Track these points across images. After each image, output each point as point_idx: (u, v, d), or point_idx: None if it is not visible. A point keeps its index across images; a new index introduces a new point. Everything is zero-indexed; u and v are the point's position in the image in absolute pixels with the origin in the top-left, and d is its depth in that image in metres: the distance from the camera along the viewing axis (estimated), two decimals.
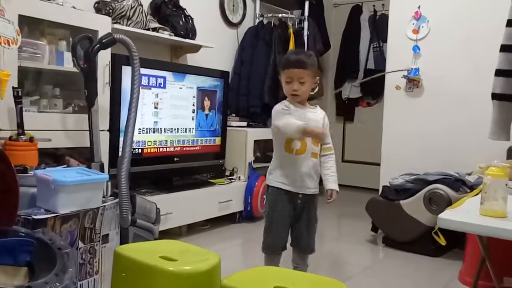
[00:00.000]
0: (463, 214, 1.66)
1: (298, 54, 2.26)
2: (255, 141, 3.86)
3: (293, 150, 2.15)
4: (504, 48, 1.73)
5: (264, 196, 2.38)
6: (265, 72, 4.23)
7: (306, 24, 4.54)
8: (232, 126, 3.90)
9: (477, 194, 1.86)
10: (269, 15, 4.54)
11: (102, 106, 2.59)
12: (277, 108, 2.19)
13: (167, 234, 2.98)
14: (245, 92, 4.25)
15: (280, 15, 4.55)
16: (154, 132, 3.18)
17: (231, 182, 3.72)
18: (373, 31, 5.31)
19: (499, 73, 1.74)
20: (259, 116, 4.24)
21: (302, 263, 2.25)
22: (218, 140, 3.70)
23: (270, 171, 2.25)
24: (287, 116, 2.13)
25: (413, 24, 3.68)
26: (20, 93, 2.23)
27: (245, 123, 4.04)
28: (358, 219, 3.79)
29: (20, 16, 2.27)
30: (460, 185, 3.02)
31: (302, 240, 2.22)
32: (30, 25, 2.46)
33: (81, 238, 1.80)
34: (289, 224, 2.21)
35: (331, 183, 2.19)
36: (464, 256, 2.56)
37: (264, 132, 3.94)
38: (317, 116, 2.21)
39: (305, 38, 4.51)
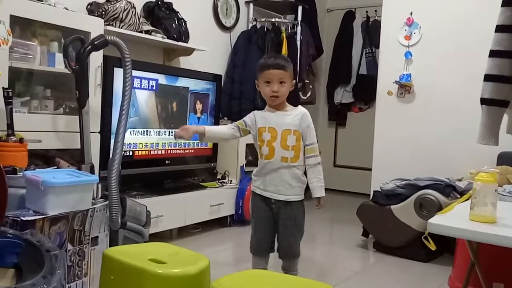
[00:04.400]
0: (453, 219, 1.67)
1: (277, 57, 2.30)
2: (247, 144, 3.86)
3: (263, 155, 2.19)
4: (493, 54, 1.74)
5: None
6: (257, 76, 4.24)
7: (299, 29, 4.56)
8: None
9: (467, 199, 1.87)
10: (262, 19, 4.55)
11: (94, 108, 2.58)
12: (250, 114, 2.28)
13: (157, 237, 2.97)
14: (238, 96, 4.25)
15: (273, 20, 4.56)
16: (145, 134, 3.17)
17: (223, 185, 3.71)
18: (366, 37, 5.34)
19: (488, 78, 1.76)
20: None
21: (290, 268, 2.24)
22: (210, 144, 3.69)
23: (252, 175, 2.30)
24: (229, 128, 2.29)
25: (405, 30, 3.71)
26: (10, 94, 2.21)
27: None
28: (349, 224, 3.79)
29: (11, 16, 2.26)
30: (451, 190, 3.04)
31: (281, 244, 2.23)
32: (21, 26, 2.44)
33: (70, 240, 1.78)
34: (270, 227, 2.23)
35: (317, 191, 2.19)
36: (454, 261, 2.57)
37: None
38: (289, 119, 2.19)
39: (298, 42, 4.53)
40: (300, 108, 2.26)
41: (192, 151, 3.54)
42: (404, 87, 3.71)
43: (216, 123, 3.74)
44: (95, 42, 2.27)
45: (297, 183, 2.19)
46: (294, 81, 2.24)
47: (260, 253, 2.26)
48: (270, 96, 2.18)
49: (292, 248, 2.23)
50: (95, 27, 2.67)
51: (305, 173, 2.23)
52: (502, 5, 1.72)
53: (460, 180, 3.20)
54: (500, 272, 2.24)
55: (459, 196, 2.95)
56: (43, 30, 2.56)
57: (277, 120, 2.19)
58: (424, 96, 3.67)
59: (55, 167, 2.35)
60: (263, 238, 2.24)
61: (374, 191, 3.42)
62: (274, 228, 2.24)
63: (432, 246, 1.69)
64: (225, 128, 2.31)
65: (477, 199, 1.62)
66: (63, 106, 2.67)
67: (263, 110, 2.27)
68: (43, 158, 2.51)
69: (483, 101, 1.77)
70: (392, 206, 3.13)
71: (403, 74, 3.69)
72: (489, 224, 1.59)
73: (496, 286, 2.23)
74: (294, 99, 3.69)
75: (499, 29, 1.73)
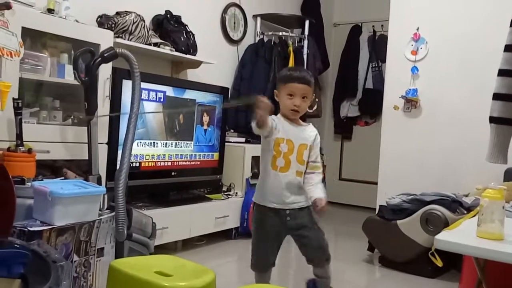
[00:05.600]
0: (460, 235, 1.66)
1: (301, 70, 2.23)
2: (252, 157, 3.86)
3: (277, 167, 2.12)
4: (502, 73, 1.75)
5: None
6: (264, 89, 4.25)
7: (306, 42, 4.59)
8: (230, 142, 3.91)
9: (474, 215, 1.86)
10: (270, 33, 4.58)
11: (102, 119, 2.60)
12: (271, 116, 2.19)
13: (162, 249, 2.96)
14: (244, 108, 4.27)
15: (280, 33, 4.60)
16: (152, 145, 3.18)
17: (228, 197, 3.71)
18: (372, 51, 5.36)
19: (496, 97, 1.76)
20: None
21: (324, 274, 2.19)
22: (216, 156, 3.70)
23: (256, 188, 2.22)
24: None
25: (412, 45, 3.72)
26: (20, 104, 2.23)
27: (243, 139, 4.05)
28: (354, 238, 3.77)
29: (23, 28, 2.29)
30: (457, 206, 3.02)
31: (313, 253, 2.16)
32: (32, 38, 2.48)
33: (76, 251, 1.79)
34: (276, 242, 2.17)
35: (316, 192, 2.10)
36: (461, 278, 2.55)
37: None
38: (305, 134, 2.17)
39: (305, 56, 4.55)
40: (312, 126, 2.24)
41: (198, 163, 3.54)
42: (411, 102, 3.71)
43: (223, 135, 3.76)
44: (105, 55, 2.29)
45: (304, 191, 2.16)
46: (313, 96, 2.21)
47: (261, 268, 2.20)
48: (290, 109, 2.12)
49: (325, 250, 2.17)
50: (104, 39, 2.70)
51: None
52: (511, 26, 1.73)
53: (466, 195, 3.19)
54: None
55: (465, 212, 2.93)
56: (53, 42, 2.60)
57: (295, 133, 2.14)
58: (430, 111, 3.67)
59: (63, 177, 2.36)
60: (269, 254, 2.17)
61: (380, 206, 3.41)
62: (280, 244, 2.18)
63: (439, 263, 1.68)
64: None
65: (484, 216, 1.61)
66: (72, 117, 2.70)
67: (278, 117, 2.17)
68: (51, 168, 2.53)
69: (492, 119, 1.77)
70: (398, 221, 3.11)
71: (410, 89, 3.70)
72: (497, 241, 1.58)
73: None
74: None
75: (508, 48, 1.74)
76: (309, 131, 2.19)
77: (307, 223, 2.15)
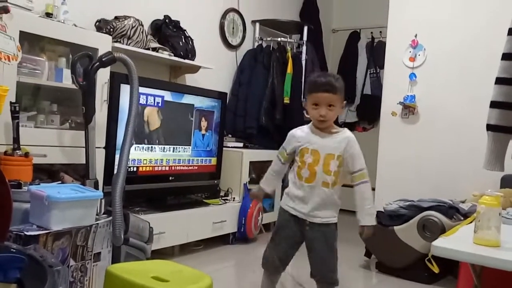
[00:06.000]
0: (457, 242, 1.66)
1: (326, 76, 2.13)
2: (250, 162, 3.87)
3: (302, 178, 2.10)
4: (500, 81, 1.75)
5: None
6: (262, 94, 4.27)
7: (304, 48, 4.60)
8: (228, 147, 3.91)
9: (470, 222, 1.86)
10: (268, 38, 4.60)
11: (99, 123, 2.60)
12: (292, 132, 2.20)
13: (159, 253, 2.95)
14: (242, 114, 4.27)
15: (279, 39, 4.61)
16: (150, 150, 3.18)
17: (226, 202, 3.70)
18: (370, 58, 5.38)
19: (494, 105, 1.77)
20: (256, 137, 4.26)
21: None
22: (214, 160, 3.70)
23: (284, 193, 2.21)
24: (274, 162, 2.23)
25: (410, 52, 3.74)
26: (17, 108, 2.23)
27: (241, 144, 4.05)
28: (351, 243, 3.76)
29: (21, 32, 2.29)
30: (454, 212, 3.02)
31: (316, 271, 2.15)
32: (30, 42, 2.48)
33: (72, 256, 1.78)
34: (293, 248, 2.16)
35: (367, 219, 2.08)
36: (457, 285, 2.55)
37: (260, 154, 3.94)
38: (334, 143, 2.10)
39: (303, 62, 4.57)
40: (347, 132, 2.15)
41: (196, 167, 3.54)
42: (408, 108, 3.72)
43: (221, 140, 3.76)
44: (103, 59, 2.29)
45: (333, 207, 2.12)
46: (344, 102, 2.14)
47: (274, 270, 2.20)
48: (317, 120, 2.09)
49: (328, 274, 2.13)
50: (103, 43, 2.70)
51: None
52: (509, 34, 1.74)
53: (463, 202, 3.19)
54: None
55: (462, 218, 2.93)
56: (51, 46, 2.60)
57: (321, 143, 2.09)
58: (428, 117, 3.67)
59: (60, 182, 2.35)
60: (284, 257, 2.17)
61: (377, 212, 3.40)
62: (296, 249, 2.17)
63: (435, 269, 1.69)
64: (274, 167, 2.25)
65: (481, 222, 1.62)
66: (69, 121, 2.69)
67: (308, 127, 2.15)
68: (48, 172, 2.52)
69: (489, 127, 1.78)
70: (395, 227, 3.11)
71: (407, 95, 3.71)
72: (493, 247, 1.58)
73: None
74: (299, 118, 3.72)
75: (506, 57, 1.74)
76: (339, 139, 2.10)
77: (321, 241, 2.11)
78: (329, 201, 2.10)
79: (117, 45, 2.95)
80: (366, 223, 2.07)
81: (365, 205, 2.09)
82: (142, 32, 3.17)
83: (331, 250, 2.13)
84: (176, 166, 3.38)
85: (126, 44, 3.06)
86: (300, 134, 2.15)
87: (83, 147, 2.39)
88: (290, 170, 2.21)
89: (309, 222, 2.11)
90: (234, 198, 3.78)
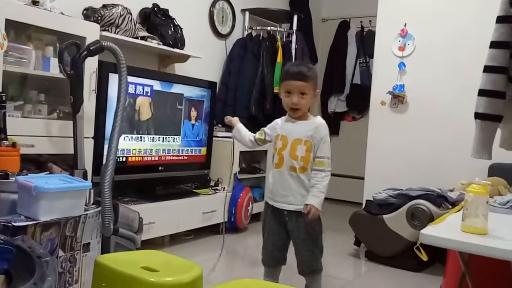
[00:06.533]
0: (445, 230, 1.68)
1: (299, 65, 2.18)
2: (240, 152, 3.86)
3: (274, 164, 2.15)
4: (488, 69, 1.76)
5: None
6: (252, 84, 4.26)
7: (294, 37, 4.59)
8: (218, 137, 3.90)
9: (458, 210, 1.88)
10: (258, 27, 4.57)
11: (88, 113, 2.58)
12: (275, 120, 2.24)
13: (149, 244, 2.95)
14: (232, 103, 4.26)
15: (268, 28, 4.59)
16: (139, 140, 3.16)
17: (216, 192, 3.70)
18: (360, 47, 5.38)
19: (482, 93, 1.78)
20: (246, 127, 4.24)
21: (311, 286, 2.16)
22: (203, 150, 3.69)
23: (266, 186, 2.27)
24: (250, 135, 2.28)
25: (399, 41, 3.74)
26: (4, 98, 2.19)
27: (231, 134, 4.03)
28: (341, 232, 3.79)
29: (7, 20, 2.25)
30: (442, 201, 3.06)
31: (298, 259, 2.16)
32: (17, 30, 2.44)
33: (61, 247, 1.77)
34: (280, 240, 2.16)
35: (310, 198, 2.06)
36: (445, 272, 2.58)
37: None
38: (303, 129, 2.11)
39: (293, 51, 4.55)
40: (319, 119, 2.18)
41: (186, 157, 3.53)
42: (397, 98, 3.74)
43: (210, 130, 3.75)
44: (91, 48, 2.26)
45: (306, 193, 2.09)
46: (318, 90, 2.16)
47: (270, 265, 2.20)
48: (289, 108, 2.11)
49: (308, 263, 2.13)
50: (90, 32, 2.67)
51: None
52: (497, 22, 1.74)
53: (451, 190, 3.22)
54: (490, 283, 2.25)
55: (450, 207, 2.97)
56: (38, 34, 2.56)
57: (291, 129, 2.13)
58: (417, 106, 3.70)
59: (48, 172, 2.33)
60: (274, 251, 2.18)
61: (366, 201, 3.43)
62: (286, 241, 2.17)
63: (424, 257, 1.70)
64: (248, 137, 2.29)
65: (468, 211, 1.63)
66: (57, 111, 2.66)
67: (285, 117, 2.20)
68: (36, 163, 2.50)
69: (477, 115, 1.79)
70: (384, 216, 3.14)
71: (397, 85, 3.72)
72: (481, 235, 1.60)
73: None
74: None
75: (493, 45, 1.75)
76: (310, 126, 2.12)
77: (300, 230, 2.10)
78: (301, 186, 2.09)
79: (105, 33, 2.91)
80: (310, 201, 2.04)
81: (315, 190, 2.07)
82: (131, 20, 3.13)
83: (310, 239, 2.12)
84: (165, 156, 3.36)
85: (114, 33, 3.02)
86: (278, 122, 2.21)
87: (72, 137, 2.36)
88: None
89: (287, 212, 2.11)
90: (224, 188, 3.78)
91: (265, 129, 2.26)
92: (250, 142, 2.29)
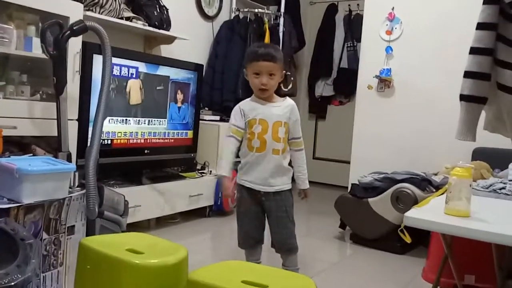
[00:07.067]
0: (429, 213, 1.70)
1: (266, 47, 2.20)
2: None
3: (253, 148, 2.14)
4: (473, 51, 1.77)
5: None
6: (239, 67, 4.22)
7: (282, 20, 4.55)
8: (205, 120, 3.88)
9: (442, 193, 1.90)
10: (245, 9, 4.52)
11: (71, 94, 2.53)
12: (235, 108, 2.21)
13: (135, 227, 2.95)
14: (219, 86, 4.23)
15: (256, 10, 4.54)
16: (124, 123, 3.13)
17: (202, 176, 3.70)
18: (348, 31, 5.36)
19: (467, 74, 1.78)
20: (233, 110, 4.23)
21: (289, 264, 2.20)
22: (190, 134, 3.67)
23: (238, 168, 2.25)
24: (229, 142, 2.14)
25: (387, 25, 3.74)
26: None
27: (218, 117, 4.02)
28: (327, 215, 3.83)
29: None
30: (426, 184, 3.09)
31: (276, 238, 2.21)
32: None
33: (45, 229, 1.76)
34: (257, 220, 2.21)
35: (302, 183, 2.23)
36: (428, 254, 2.62)
37: None
38: (279, 111, 2.16)
39: (281, 34, 4.52)
40: (288, 100, 2.21)
41: (172, 141, 3.51)
42: (384, 82, 3.75)
43: (197, 113, 3.72)
44: (74, 28, 2.22)
45: (286, 173, 2.18)
46: (284, 71, 2.19)
47: (249, 246, 2.24)
48: (258, 89, 2.14)
49: (287, 241, 2.19)
50: (74, 12, 2.61)
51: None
52: (484, 3, 1.74)
53: (435, 174, 3.26)
54: (472, 264, 2.29)
55: (434, 190, 3.00)
56: (20, 13, 2.49)
57: (268, 112, 2.14)
58: (403, 91, 3.71)
59: (31, 154, 2.30)
60: (251, 230, 2.21)
61: (352, 184, 3.46)
62: (262, 221, 2.22)
63: (407, 239, 1.72)
64: (232, 147, 2.16)
65: (452, 194, 1.65)
66: (40, 92, 2.61)
67: (250, 100, 2.21)
68: (19, 145, 2.46)
69: (462, 97, 1.80)
70: (369, 199, 3.17)
71: (383, 69, 3.73)
72: (463, 218, 1.62)
73: (467, 278, 2.29)
74: (275, 91, 3.70)
75: (480, 26, 1.75)
76: (284, 107, 2.18)
77: (279, 210, 2.17)
78: (281, 168, 2.16)
79: (89, 13, 2.85)
80: (305, 187, 2.24)
81: (303, 170, 2.23)
82: (115, 0, 3.07)
83: (288, 217, 2.20)
84: (151, 139, 3.34)
85: (99, 13, 2.96)
86: (245, 107, 2.19)
87: (55, 119, 2.33)
88: (241, 144, 2.20)
89: (263, 192, 2.16)
90: (211, 171, 3.77)
91: (235, 123, 2.17)
92: (235, 146, 2.18)
